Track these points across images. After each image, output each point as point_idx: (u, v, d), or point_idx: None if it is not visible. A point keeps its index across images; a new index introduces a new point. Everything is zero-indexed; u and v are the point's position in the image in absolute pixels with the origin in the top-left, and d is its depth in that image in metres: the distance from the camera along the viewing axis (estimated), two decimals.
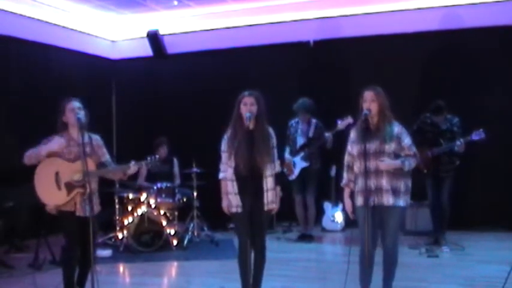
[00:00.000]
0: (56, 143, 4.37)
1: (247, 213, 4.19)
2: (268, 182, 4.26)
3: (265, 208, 4.26)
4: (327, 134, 6.88)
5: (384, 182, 4.16)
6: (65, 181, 4.37)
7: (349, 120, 6.30)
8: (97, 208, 4.50)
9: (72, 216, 4.39)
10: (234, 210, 4.31)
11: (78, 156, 4.36)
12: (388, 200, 4.16)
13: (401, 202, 4.21)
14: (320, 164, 7.26)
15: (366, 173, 4.12)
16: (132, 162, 4.50)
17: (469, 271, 5.53)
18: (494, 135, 6.82)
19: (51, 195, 4.39)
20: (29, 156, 4.35)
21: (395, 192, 4.17)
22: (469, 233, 7.25)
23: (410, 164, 4.18)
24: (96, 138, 4.59)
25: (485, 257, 6.13)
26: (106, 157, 4.60)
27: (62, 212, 4.40)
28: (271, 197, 4.28)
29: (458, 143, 6.19)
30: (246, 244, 4.23)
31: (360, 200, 4.27)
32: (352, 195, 4.39)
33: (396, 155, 4.18)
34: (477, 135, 6.11)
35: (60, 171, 4.38)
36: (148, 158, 4.56)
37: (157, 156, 4.66)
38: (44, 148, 4.35)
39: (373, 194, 4.15)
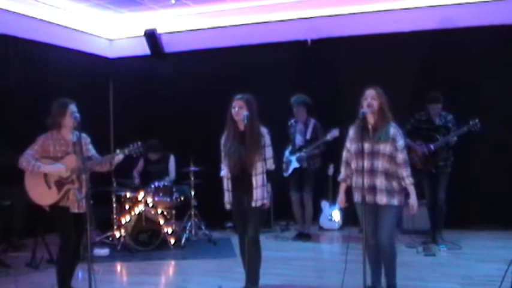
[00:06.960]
0: (40, 139, 4.48)
1: (239, 209, 4.53)
2: (258, 180, 4.47)
3: (253, 204, 4.45)
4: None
5: (378, 182, 4.22)
6: (54, 179, 4.46)
7: (336, 133, 6.69)
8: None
9: (66, 212, 4.44)
10: (228, 206, 4.66)
11: (65, 154, 4.46)
12: (381, 199, 4.23)
13: (395, 201, 4.26)
14: (319, 164, 7.28)
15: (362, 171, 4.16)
16: (117, 151, 4.59)
17: (466, 270, 5.53)
18: (491, 134, 6.85)
19: (43, 195, 4.46)
20: (27, 165, 4.40)
21: (389, 191, 4.22)
22: (466, 232, 7.26)
23: (410, 178, 4.27)
24: (84, 136, 4.67)
25: (482, 255, 6.14)
26: (92, 152, 4.72)
27: (55, 208, 4.45)
28: (260, 194, 4.49)
29: (451, 139, 6.34)
30: (242, 237, 4.60)
31: (356, 197, 4.40)
32: (348, 191, 4.50)
33: (392, 157, 4.21)
34: (473, 125, 6.23)
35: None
36: (131, 145, 4.63)
37: (140, 143, 4.67)
38: (34, 151, 4.44)
39: (367, 193, 4.21)
